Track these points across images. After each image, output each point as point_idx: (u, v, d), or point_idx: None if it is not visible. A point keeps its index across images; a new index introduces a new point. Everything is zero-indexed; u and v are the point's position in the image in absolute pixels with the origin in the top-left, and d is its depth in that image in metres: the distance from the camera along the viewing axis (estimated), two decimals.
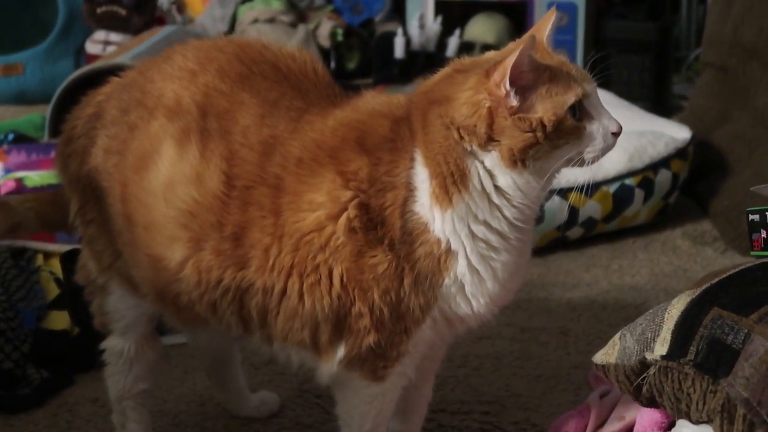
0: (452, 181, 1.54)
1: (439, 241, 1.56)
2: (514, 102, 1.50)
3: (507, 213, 1.56)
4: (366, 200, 1.55)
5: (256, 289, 1.61)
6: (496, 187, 1.55)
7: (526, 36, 1.61)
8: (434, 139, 1.54)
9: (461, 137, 1.53)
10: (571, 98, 1.52)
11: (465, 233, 1.56)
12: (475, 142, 1.52)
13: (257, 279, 1.60)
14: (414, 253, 1.56)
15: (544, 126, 1.51)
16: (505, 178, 1.54)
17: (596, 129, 1.55)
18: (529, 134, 1.51)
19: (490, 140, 1.52)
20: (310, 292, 1.58)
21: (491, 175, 1.54)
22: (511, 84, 1.49)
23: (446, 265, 1.56)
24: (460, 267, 1.57)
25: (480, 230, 1.56)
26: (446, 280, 1.57)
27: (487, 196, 1.55)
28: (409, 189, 1.55)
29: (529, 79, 1.51)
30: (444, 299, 1.59)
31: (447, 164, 1.54)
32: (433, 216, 1.55)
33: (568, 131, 1.52)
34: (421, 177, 1.55)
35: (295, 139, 1.61)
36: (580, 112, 1.53)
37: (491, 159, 1.53)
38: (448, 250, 1.56)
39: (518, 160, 1.52)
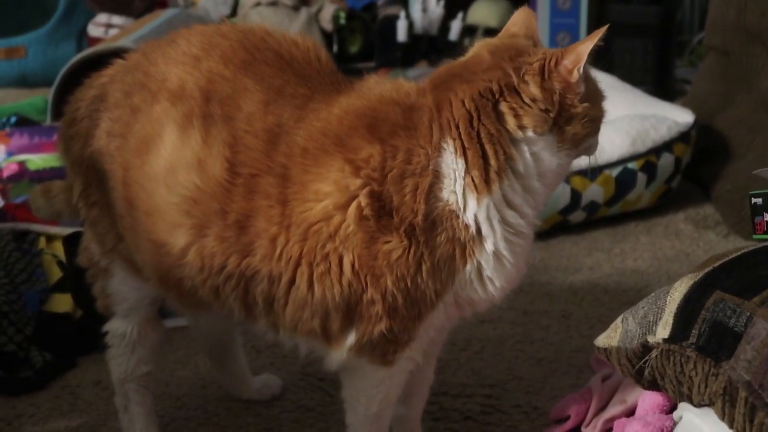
0: (496, 170, 1.54)
1: (467, 227, 1.55)
2: (582, 88, 1.54)
3: (539, 197, 1.59)
4: (378, 188, 1.54)
5: (262, 277, 1.60)
6: (539, 171, 1.57)
7: (517, 31, 1.65)
8: (483, 129, 1.54)
9: (519, 125, 1.54)
10: (603, 89, 1.60)
11: (497, 219, 1.56)
12: (539, 128, 1.54)
13: (263, 267, 1.60)
14: (435, 240, 1.56)
15: (601, 117, 1.58)
16: (551, 160, 1.56)
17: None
18: (591, 122, 1.56)
19: (554, 125, 1.55)
20: (320, 281, 1.57)
21: (537, 159, 1.56)
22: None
23: (472, 251, 1.57)
24: (486, 253, 1.57)
25: (512, 215, 1.57)
26: (468, 266, 1.57)
27: (525, 182, 1.57)
28: (436, 176, 1.55)
29: (585, 72, 1.56)
30: (461, 284, 1.59)
31: (495, 153, 1.54)
32: (466, 203, 1.55)
33: (600, 120, 1.60)
34: (452, 165, 1.54)
35: (300, 128, 1.60)
36: None
37: (544, 142, 1.55)
38: (477, 236, 1.56)
39: (578, 144, 1.57)
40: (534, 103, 1.53)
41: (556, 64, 1.53)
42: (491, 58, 1.58)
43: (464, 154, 1.54)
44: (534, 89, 1.54)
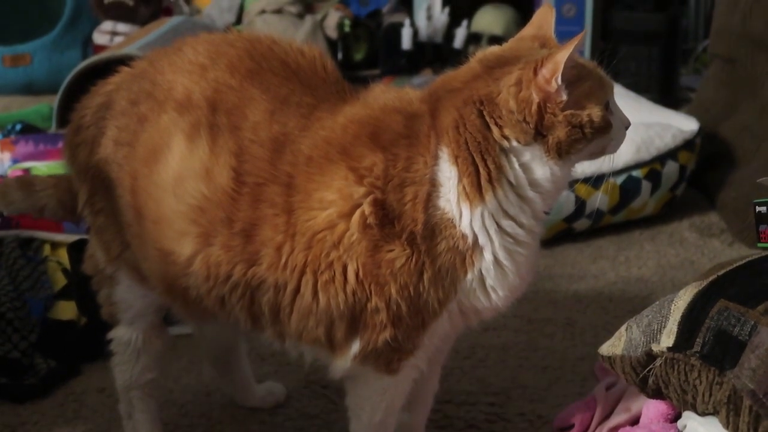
0: (487, 179, 1.54)
1: (464, 236, 1.56)
2: (564, 97, 1.51)
3: (537, 206, 1.58)
4: (381, 196, 1.54)
5: (268, 286, 1.61)
6: (531, 181, 1.56)
7: (528, 32, 1.62)
8: (470, 138, 1.54)
9: (503, 135, 1.53)
10: (608, 94, 1.57)
11: (494, 229, 1.56)
12: (521, 138, 1.53)
13: (269, 276, 1.60)
14: (436, 248, 1.56)
15: (592, 122, 1.53)
16: (544, 170, 1.55)
17: (617, 123, 1.58)
18: (578, 129, 1.53)
19: (537, 135, 1.53)
20: (325, 290, 1.58)
21: (527, 169, 1.55)
22: (561, 79, 1.51)
23: (471, 260, 1.57)
24: (486, 262, 1.57)
25: (509, 225, 1.57)
26: (469, 275, 1.57)
27: (519, 192, 1.56)
28: (433, 185, 1.55)
29: (573, 75, 1.53)
30: (464, 293, 1.59)
31: (483, 162, 1.54)
32: (461, 212, 1.55)
33: (603, 126, 1.55)
34: (447, 174, 1.55)
35: (305, 137, 1.60)
36: (606, 107, 1.56)
37: (531, 153, 1.54)
38: (475, 246, 1.56)
39: (564, 153, 1.54)
40: (511, 114, 1.53)
41: (534, 74, 1.52)
42: (480, 67, 1.59)
43: (456, 162, 1.54)
44: (510, 101, 1.53)
